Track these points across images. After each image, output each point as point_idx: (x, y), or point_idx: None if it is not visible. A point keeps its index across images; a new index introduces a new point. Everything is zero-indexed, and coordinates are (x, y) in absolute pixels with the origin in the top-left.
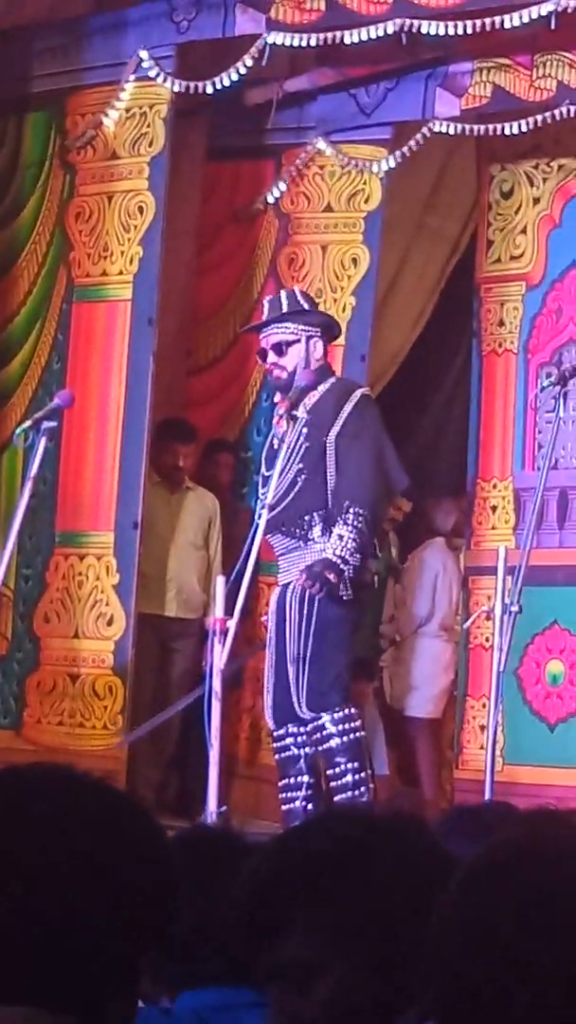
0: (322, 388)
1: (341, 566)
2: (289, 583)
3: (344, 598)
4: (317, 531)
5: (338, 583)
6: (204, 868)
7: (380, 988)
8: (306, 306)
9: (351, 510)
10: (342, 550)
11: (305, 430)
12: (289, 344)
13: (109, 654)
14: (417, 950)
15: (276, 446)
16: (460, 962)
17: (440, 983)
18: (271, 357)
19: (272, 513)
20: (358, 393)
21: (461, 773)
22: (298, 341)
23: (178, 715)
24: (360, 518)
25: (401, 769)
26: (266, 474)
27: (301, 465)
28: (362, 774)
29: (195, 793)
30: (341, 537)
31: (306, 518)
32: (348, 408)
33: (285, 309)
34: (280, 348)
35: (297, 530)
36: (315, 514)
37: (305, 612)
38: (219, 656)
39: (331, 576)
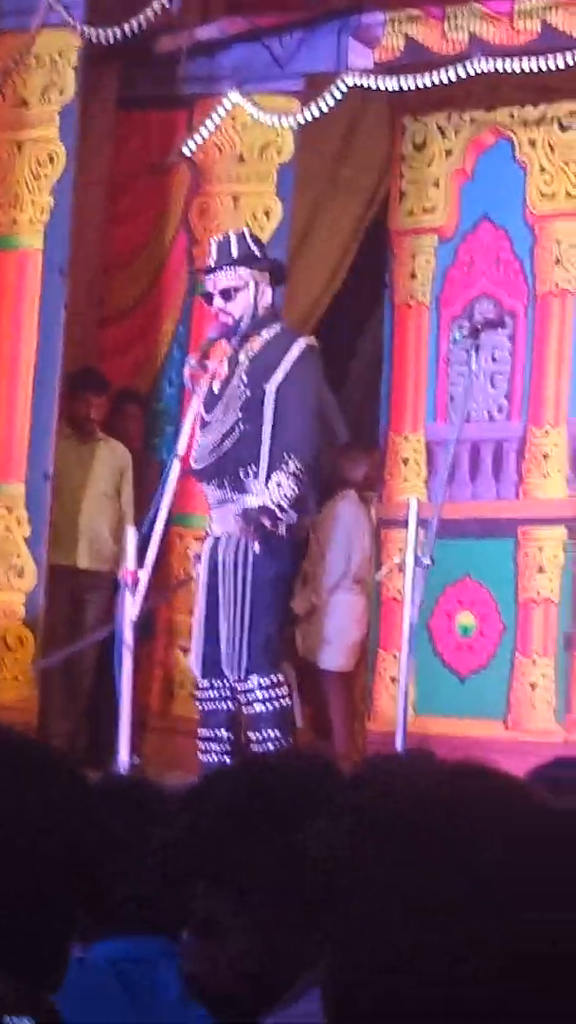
0: (266, 335)
1: (278, 514)
2: (221, 535)
3: (278, 550)
4: (253, 483)
5: (274, 530)
6: (116, 818)
7: (286, 943)
8: (256, 251)
9: (290, 461)
10: (280, 498)
11: (245, 378)
12: (237, 290)
13: (20, 606)
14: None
15: (215, 392)
16: (355, 930)
17: (334, 944)
18: (218, 302)
19: (207, 462)
20: (302, 342)
21: (373, 725)
22: (246, 287)
23: (90, 666)
24: (299, 469)
25: (314, 722)
26: (206, 419)
27: (240, 414)
28: (283, 742)
29: (107, 744)
30: (279, 485)
31: (242, 468)
32: (291, 358)
33: (235, 254)
34: (228, 293)
35: (233, 480)
36: (251, 465)
37: (240, 571)
38: (130, 607)
39: (266, 521)
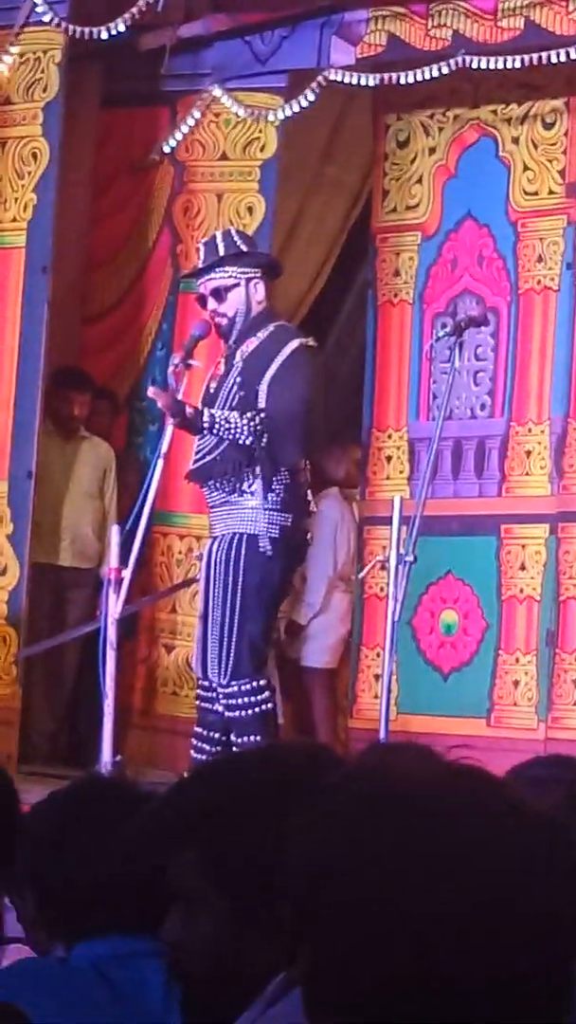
0: (261, 335)
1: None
2: (217, 536)
3: (273, 558)
4: (247, 484)
5: (265, 534)
6: (97, 817)
7: (262, 930)
8: (244, 247)
9: (279, 463)
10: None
11: (239, 378)
12: (228, 289)
13: (2, 604)
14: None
15: (212, 391)
16: (331, 911)
17: (312, 935)
18: (211, 303)
19: (203, 462)
20: (296, 342)
21: (355, 722)
22: (238, 285)
23: (73, 665)
24: (288, 471)
25: (296, 719)
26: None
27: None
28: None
29: (89, 743)
30: (270, 488)
31: (238, 469)
32: (282, 356)
33: (222, 252)
34: (219, 294)
35: (228, 481)
36: (246, 466)
37: (231, 574)
38: (114, 605)
39: (258, 529)
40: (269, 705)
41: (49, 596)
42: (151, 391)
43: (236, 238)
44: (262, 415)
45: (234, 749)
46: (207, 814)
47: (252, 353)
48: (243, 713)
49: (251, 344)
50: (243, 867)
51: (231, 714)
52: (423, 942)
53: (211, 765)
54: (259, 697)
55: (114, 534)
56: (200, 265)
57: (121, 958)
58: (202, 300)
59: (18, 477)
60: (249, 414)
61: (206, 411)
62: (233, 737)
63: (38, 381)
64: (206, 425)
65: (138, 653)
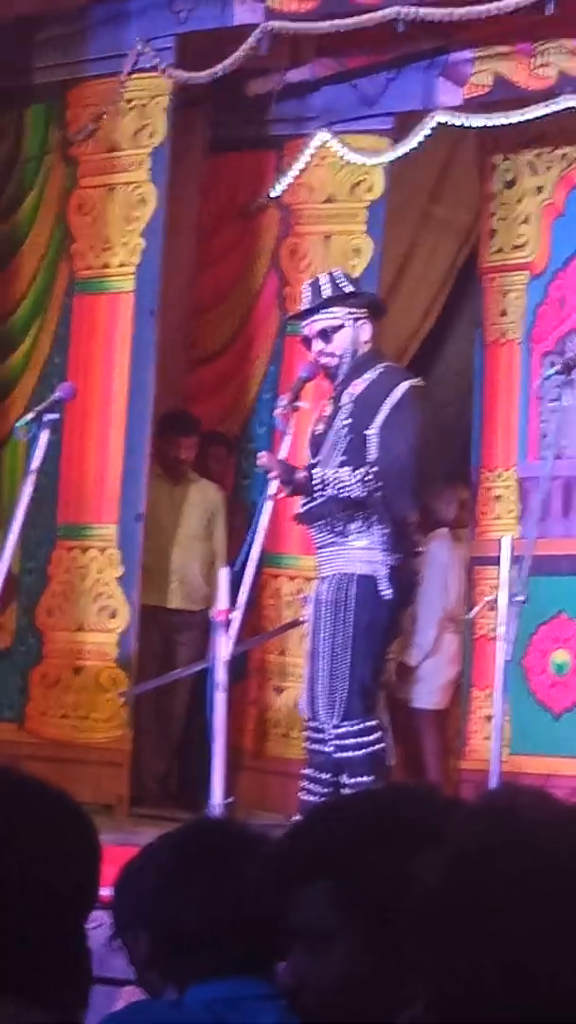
0: (369, 376)
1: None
2: (326, 577)
3: (385, 598)
4: (355, 525)
5: (375, 575)
6: (211, 858)
7: (386, 961)
8: (349, 288)
9: (392, 505)
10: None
11: (349, 420)
12: (335, 329)
13: (113, 647)
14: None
15: (319, 433)
16: (456, 953)
17: (436, 975)
18: (317, 344)
19: (312, 504)
20: (405, 384)
21: (466, 764)
22: (344, 326)
23: (183, 707)
24: (401, 513)
25: (407, 760)
26: (312, 462)
27: (344, 457)
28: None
29: (199, 784)
30: (382, 529)
31: (346, 511)
32: (393, 399)
33: (327, 294)
34: (326, 335)
35: (335, 523)
36: (355, 508)
37: (340, 614)
38: (223, 648)
39: (368, 568)
40: (380, 746)
41: (159, 638)
42: (261, 459)
43: (341, 279)
44: (374, 469)
45: (345, 790)
46: (339, 847)
47: (360, 396)
48: (353, 754)
49: (359, 386)
50: (376, 900)
51: (341, 755)
52: (553, 986)
53: (334, 802)
54: (369, 738)
55: (223, 576)
56: (305, 307)
57: (235, 1001)
58: (307, 342)
59: (128, 520)
60: (362, 470)
61: (317, 473)
62: (344, 778)
63: (147, 425)
64: (317, 487)
65: (248, 695)
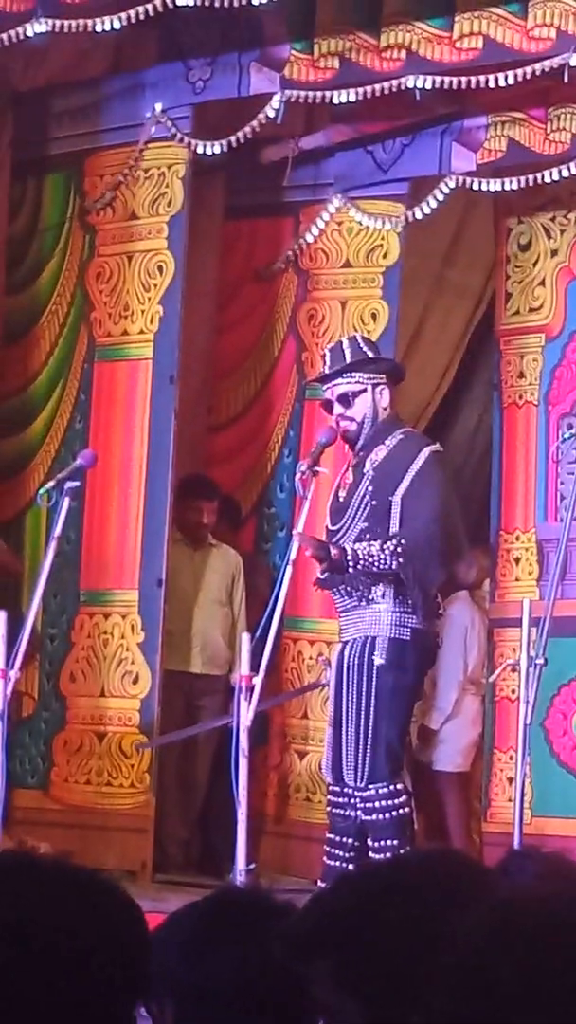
0: (390, 443)
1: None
2: (348, 641)
3: (410, 660)
4: (378, 591)
5: (399, 639)
6: (236, 927)
7: None
8: (370, 353)
9: (412, 571)
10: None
11: (371, 487)
12: (356, 394)
13: (135, 712)
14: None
15: (341, 500)
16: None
17: None
18: (337, 409)
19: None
20: (428, 451)
21: (489, 826)
22: (364, 391)
23: (205, 773)
24: (426, 580)
25: (429, 823)
26: (331, 528)
27: (365, 524)
28: (403, 852)
29: (222, 850)
30: (406, 595)
31: (368, 577)
32: (416, 467)
33: (349, 358)
34: (346, 399)
35: (358, 589)
36: (378, 574)
37: (364, 677)
38: (245, 712)
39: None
40: (407, 809)
41: (181, 703)
42: (297, 538)
43: (362, 344)
44: (402, 542)
45: (371, 854)
46: (339, 924)
47: (382, 462)
48: (380, 817)
49: (380, 452)
50: (379, 977)
51: (368, 818)
52: None
53: (358, 872)
54: (397, 801)
55: (244, 641)
56: (326, 371)
57: None
58: (327, 406)
59: (149, 586)
60: (391, 543)
61: (348, 549)
62: (370, 841)
63: (167, 490)
64: (350, 564)
65: (270, 760)
